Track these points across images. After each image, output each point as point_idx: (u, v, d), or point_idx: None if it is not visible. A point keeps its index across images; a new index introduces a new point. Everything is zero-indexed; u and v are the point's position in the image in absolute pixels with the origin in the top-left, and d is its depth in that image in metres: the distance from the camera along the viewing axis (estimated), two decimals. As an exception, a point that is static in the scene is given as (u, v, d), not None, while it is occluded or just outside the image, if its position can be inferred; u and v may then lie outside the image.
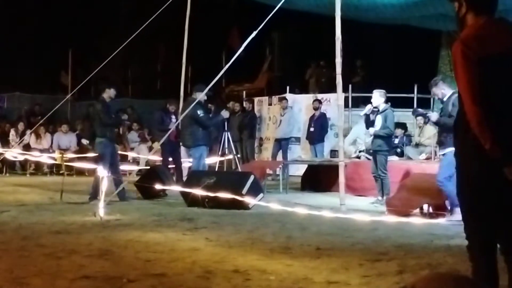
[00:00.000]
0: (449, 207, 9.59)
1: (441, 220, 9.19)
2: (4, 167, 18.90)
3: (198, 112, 12.82)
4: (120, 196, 11.62)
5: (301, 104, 19.25)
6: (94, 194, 11.38)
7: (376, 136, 11.69)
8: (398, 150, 14.56)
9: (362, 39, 19.84)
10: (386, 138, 11.94)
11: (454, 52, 4.22)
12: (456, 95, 10.03)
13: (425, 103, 19.09)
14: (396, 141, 14.53)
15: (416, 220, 9.11)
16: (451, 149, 9.79)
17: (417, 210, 10.06)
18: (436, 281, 3.02)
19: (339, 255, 6.65)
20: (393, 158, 13.51)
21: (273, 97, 19.76)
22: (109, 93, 12.14)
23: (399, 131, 14.67)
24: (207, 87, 12.41)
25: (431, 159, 13.65)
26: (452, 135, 4.37)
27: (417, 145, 14.81)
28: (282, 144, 18.05)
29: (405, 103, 18.14)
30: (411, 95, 18.58)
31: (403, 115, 16.65)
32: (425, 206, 9.92)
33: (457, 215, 9.65)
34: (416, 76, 18.83)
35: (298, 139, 18.90)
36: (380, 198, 11.65)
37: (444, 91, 9.54)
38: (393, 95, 15.22)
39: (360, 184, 13.17)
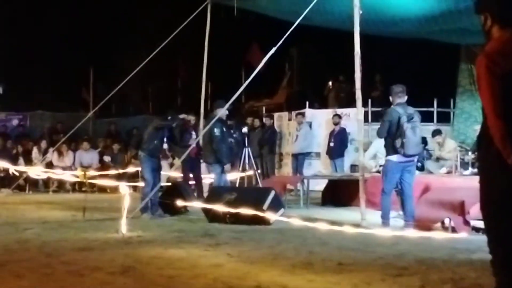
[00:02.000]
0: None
1: (463, 234, 9.15)
2: (27, 185, 19.05)
3: (215, 130, 12.88)
4: (153, 211, 11.89)
5: (320, 119, 19.28)
6: (144, 208, 11.67)
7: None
8: (419, 164, 14.50)
9: (381, 53, 19.83)
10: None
11: (478, 66, 4.22)
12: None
13: (445, 118, 19.08)
14: (417, 155, 14.47)
15: (438, 235, 9.08)
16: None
17: (439, 224, 10.02)
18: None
19: (361, 270, 6.65)
20: (414, 172, 13.46)
21: (292, 112, 19.81)
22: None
23: (419, 145, 14.61)
24: (227, 103, 12.49)
25: (452, 173, 13.60)
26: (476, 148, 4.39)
27: (438, 159, 14.75)
28: (299, 159, 18.12)
29: (425, 118, 18.10)
30: (431, 109, 18.56)
31: (424, 129, 16.59)
32: (447, 220, 9.87)
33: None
34: (435, 90, 18.82)
35: (318, 154, 18.91)
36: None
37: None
38: (413, 109, 15.20)
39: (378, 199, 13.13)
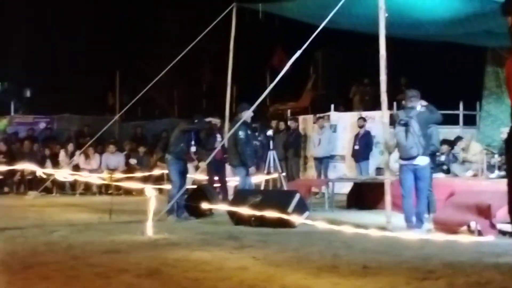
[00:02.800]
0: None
1: (489, 238, 9.10)
2: (54, 187, 19.23)
3: (240, 133, 12.92)
4: (179, 214, 11.99)
5: (345, 122, 19.26)
6: (170, 210, 11.80)
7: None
8: (445, 167, 14.44)
9: (407, 56, 19.75)
10: (431, 155, 11.92)
11: (508, 68, 4.19)
12: None
13: (471, 120, 18.97)
14: (443, 158, 14.42)
15: (464, 238, 9.03)
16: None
17: (465, 228, 9.97)
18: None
19: (386, 274, 6.63)
20: (439, 176, 13.41)
21: (316, 115, 19.80)
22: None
23: (445, 148, 14.56)
24: (252, 106, 12.52)
25: (478, 176, 13.52)
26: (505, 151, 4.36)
27: (464, 162, 14.68)
28: (323, 162, 18.14)
29: (450, 120, 18.03)
30: (456, 112, 18.47)
31: (449, 132, 16.57)
32: (473, 224, 9.82)
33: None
34: (461, 93, 18.71)
35: (343, 157, 18.89)
36: (426, 215, 11.57)
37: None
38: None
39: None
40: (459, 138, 15.19)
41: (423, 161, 10.37)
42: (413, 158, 10.30)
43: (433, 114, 10.70)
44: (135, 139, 22.35)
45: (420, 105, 10.59)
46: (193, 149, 12.66)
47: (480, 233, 9.50)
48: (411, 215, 10.34)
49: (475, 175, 13.75)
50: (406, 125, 10.24)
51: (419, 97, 10.60)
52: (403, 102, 10.67)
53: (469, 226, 9.94)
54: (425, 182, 10.56)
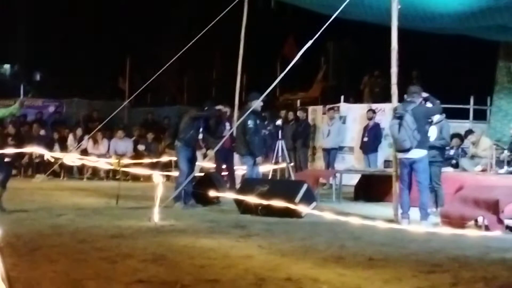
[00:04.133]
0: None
1: (496, 233, 9.06)
2: (62, 171, 19.26)
3: (249, 122, 12.89)
4: (186, 201, 11.99)
5: (355, 114, 19.20)
6: (177, 197, 11.79)
7: (431, 147, 11.57)
8: (453, 161, 14.38)
9: (418, 49, 19.68)
10: (440, 149, 11.91)
11: None
12: None
13: (481, 115, 18.88)
14: (452, 152, 14.36)
15: (471, 232, 8.99)
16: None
17: (472, 222, 9.93)
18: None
19: (392, 266, 6.62)
20: (448, 170, 13.37)
21: (326, 106, 19.76)
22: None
23: (455, 142, 14.49)
24: (262, 95, 12.49)
25: (487, 171, 13.47)
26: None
27: (473, 157, 14.62)
28: (331, 153, 18.13)
29: (461, 115, 17.95)
30: (467, 106, 18.39)
31: (459, 126, 16.50)
32: (480, 219, 9.78)
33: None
34: (472, 87, 18.62)
35: (351, 149, 18.85)
36: (434, 209, 11.56)
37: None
38: (448, 106, 15.10)
39: (414, 194, 13.06)
40: (470, 132, 15.12)
41: (418, 154, 10.34)
42: (407, 151, 10.29)
43: (433, 105, 10.75)
44: (146, 125, 22.36)
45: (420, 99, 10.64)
46: (200, 136, 12.63)
47: (487, 228, 9.46)
48: (406, 208, 10.34)
49: (483, 170, 13.69)
50: (400, 118, 10.26)
51: (421, 94, 10.62)
52: (405, 96, 10.65)
53: (476, 221, 9.90)
54: (423, 174, 10.51)
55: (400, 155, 10.52)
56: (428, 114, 10.88)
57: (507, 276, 6.16)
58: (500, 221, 9.41)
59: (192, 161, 12.48)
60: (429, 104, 10.85)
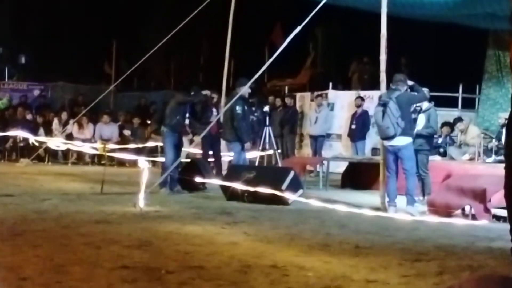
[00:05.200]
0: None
1: (483, 222, 9.05)
2: (46, 156, 19.13)
3: (237, 107, 12.82)
4: (172, 187, 11.94)
5: (343, 101, 19.14)
6: (163, 183, 11.70)
7: (418, 135, 11.56)
8: (441, 150, 14.37)
9: (407, 36, 19.62)
10: (428, 137, 11.89)
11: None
12: None
13: (470, 104, 18.87)
14: (440, 140, 14.36)
15: (458, 221, 9.01)
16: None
17: (459, 211, 9.92)
18: (484, 282, 2.94)
19: (378, 254, 6.59)
20: (435, 158, 13.36)
21: (314, 93, 19.70)
22: None
23: (446, 130, 14.48)
24: (249, 81, 12.40)
25: (474, 159, 13.46)
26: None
27: (461, 145, 14.62)
28: (318, 140, 18.08)
29: (450, 103, 17.93)
30: (456, 95, 18.37)
31: (447, 114, 16.48)
32: (467, 207, 9.77)
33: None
34: (461, 75, 18.59)
35: (339, 136, 18.81)
36: (421, 198, 11.55)
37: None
38: (437, 94, 15.08)
39: (401, 183, 13.04)
40: (459, 119, 15.11)
41: (402, 141, 10.33)
42: (391, 138, 10.26)
43: (418, 93, 10.71)
44: (138, 110, 22.23)
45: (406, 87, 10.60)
46: (187, 121, 12.55)
47: (474, 217, 9.46)
48: (393, 195, 10.32)
49: (471, 159, 13.69)
50: (384, 105, 10.24)
51: (406, 82, 10.59)
52: (390, 84, 10.61)
53: (463, 210, 9.89)
54: (409, 162, 10.51)
55: (385, 143, 10.52)
56: (411, 101, 10.85)
57: (493, 265, 6.14)
58: (487, 210, 9.40)
59: (178, 147, 12.40)
60: (414, 93, 10.83)
